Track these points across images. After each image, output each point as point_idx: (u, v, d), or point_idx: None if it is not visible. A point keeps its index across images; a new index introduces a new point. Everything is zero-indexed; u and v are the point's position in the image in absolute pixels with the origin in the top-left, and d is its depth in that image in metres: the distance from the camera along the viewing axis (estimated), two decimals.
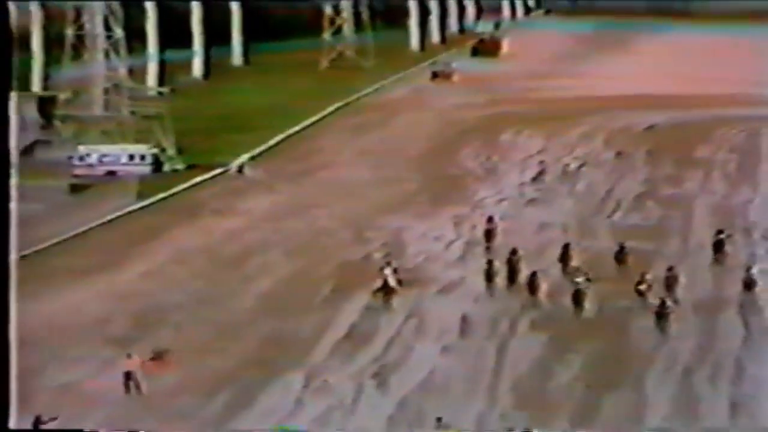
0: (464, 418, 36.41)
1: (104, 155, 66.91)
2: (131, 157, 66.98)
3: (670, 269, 46.78)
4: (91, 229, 55.13)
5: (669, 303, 42.81)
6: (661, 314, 42.61)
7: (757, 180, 67.54)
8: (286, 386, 38.44)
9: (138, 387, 37.63)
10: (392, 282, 45.72)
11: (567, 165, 69.97)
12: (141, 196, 61.29)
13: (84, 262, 50.56)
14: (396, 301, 45.49)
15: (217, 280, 48.82)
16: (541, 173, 68.40)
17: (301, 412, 36.60)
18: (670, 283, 45.82)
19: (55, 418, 33.61)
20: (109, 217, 57.17)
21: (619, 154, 72.50)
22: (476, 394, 38.29)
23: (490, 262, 48.24)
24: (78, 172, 65.86)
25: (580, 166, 69.83)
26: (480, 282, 48.19)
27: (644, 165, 70.39)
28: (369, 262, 51.03)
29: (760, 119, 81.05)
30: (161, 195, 61.87)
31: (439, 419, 34.84)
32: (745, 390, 39.22)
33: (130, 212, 58.78)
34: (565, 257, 49.69)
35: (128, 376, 37.77)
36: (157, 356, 38.50)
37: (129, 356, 38.30)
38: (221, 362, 40.17)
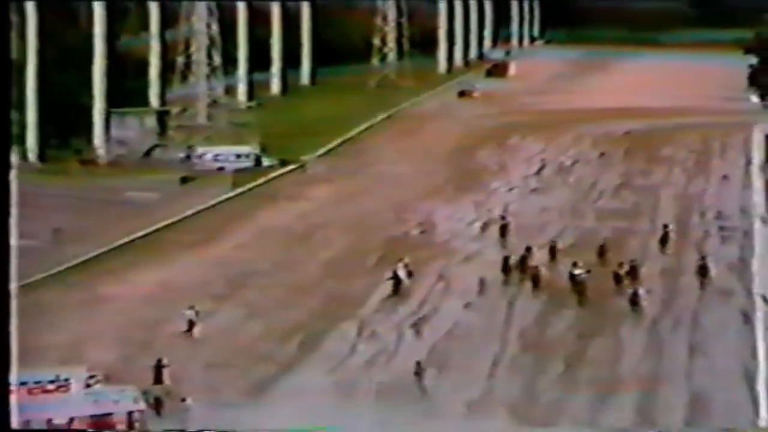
0: (482, 359, 36.38)
1: (217, 154, 66.73)
2: (238, 155, 66.88)
3: (632, 261, 44.89)
4: (197, 212, 55.16)
5: (641, 292, 41.32)
6: (635, 301, 41.17)
7: (710, 173, 66.85)
8: (343, 334, 38.42)
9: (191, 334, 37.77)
10: (402, 274, 43.48)
11: (562, 162, 69.42)
12: (234, 186, 61.26)
13: (191, 237, 50.61)
14: (404, 289, 43.31)
15: (291, 251, 48.75)
16: (541, 168, 67.89)
17: (355, 354, 36.59)
18: (633, 271, 43.92)
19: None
20: (210, 203, 57.19)
21: (602, 154, 71.82)
22: (491, 340, 38.16)
23: (506, 258, 45.77)
24: (196, 167, 65.76)
25: (572, 163, 69.25)
26: (494, 252, 47.79)
27: (622, 162, 69.75)
28: (407, 237, 50.92)
29: (711, 126, 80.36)
30: (249, 185, 61.88)
31: (418, 363, 34.61)
32: (699, 336, 39.06)
33: (225, 199, 58.80)
34: (553, 251, 47.22)
35: (190, 323, 37.99)
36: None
37: (191, 308, 38.37)
38: (294, 315, 40.19)
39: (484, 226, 53.27)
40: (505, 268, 45.05)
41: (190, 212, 54.89)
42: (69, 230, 50.06)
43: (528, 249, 46.41)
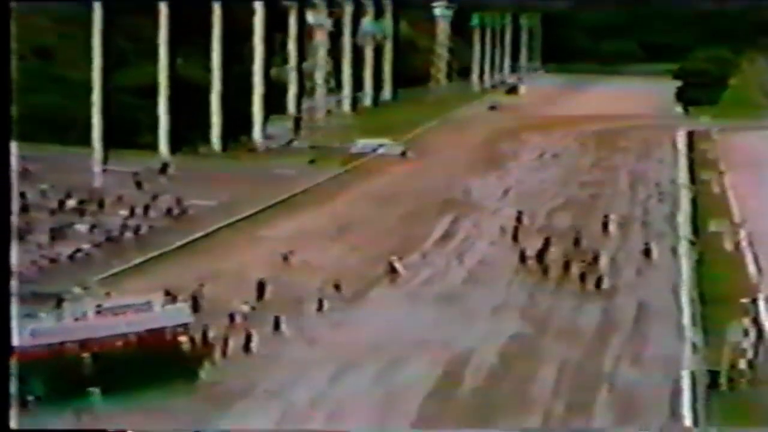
0: (501, 280, 35.69)
1: (366, 144, 63.54)
2: (380, 144, 64.25)
3: (595, 253, 37.56)
4: (318, 183, 54.63)
5: (604, 281, 34.83)
6: (599, 285, 34.62)
7: (651, 157, 65.03)
8: (411, 262, 37.75)
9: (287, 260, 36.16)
10: (398, 267, 35.85)
11: (554, 151, 68.00)
12: (344, 164, 60.63)
13: (315, 199, 49.97)
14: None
15: (379, 208, 48.06)
16: (541, 154, 66.42)
17: (418, 274, 36.08)
18: (595, 258, 37.06)
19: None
20: (328, 176, 56.65)
21: (581, 145, 70.32)
22: (507, 267, 37.35)
23: (523, 250, 37.88)
24: (353, 152, 62.08)
25: (561, 151, 67.86)
26: (510, 209, 46.19)
27: (594, 150, 68.22)
28: (454, 199, 49.80)
29: (651, 127, 78.70)
30: (353, 164, 61.24)
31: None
32: (644, 263, 37.88)
33: (338, 174, 58.25)
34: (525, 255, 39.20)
35: (285, 256, 36.50)
36: None
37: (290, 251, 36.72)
38: (379, 249, 39.38)
39: (504, 192, 52.32)
40: (523, 258, 37.41)
41: (314, 183, 54.56)
42: (239, 195, 50.11)
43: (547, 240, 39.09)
